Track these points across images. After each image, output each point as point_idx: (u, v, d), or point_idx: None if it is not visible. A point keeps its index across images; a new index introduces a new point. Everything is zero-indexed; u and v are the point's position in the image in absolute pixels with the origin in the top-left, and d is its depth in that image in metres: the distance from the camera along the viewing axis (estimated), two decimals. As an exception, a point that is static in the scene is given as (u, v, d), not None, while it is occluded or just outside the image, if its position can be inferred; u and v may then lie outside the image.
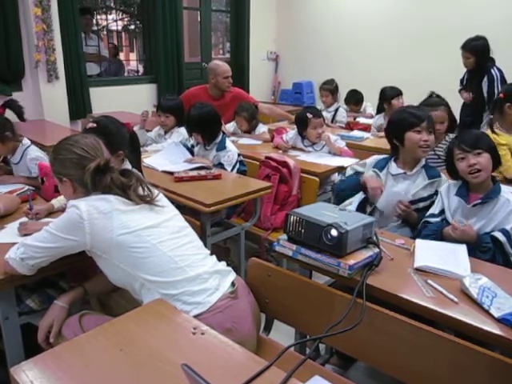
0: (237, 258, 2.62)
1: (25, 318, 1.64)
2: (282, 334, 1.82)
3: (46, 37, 4.47)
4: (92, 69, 5.38)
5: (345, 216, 1.55)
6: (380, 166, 2.19)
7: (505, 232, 1.72)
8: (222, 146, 2.83)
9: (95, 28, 5.60)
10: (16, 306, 1.58)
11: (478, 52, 3.71)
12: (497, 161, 1.85)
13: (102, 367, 1.05)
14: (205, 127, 2.79)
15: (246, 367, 1.04)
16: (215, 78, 3.88)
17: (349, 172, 2.32)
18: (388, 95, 3.94)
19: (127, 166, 1.95)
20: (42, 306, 1.66)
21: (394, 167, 2.16)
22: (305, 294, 1.56)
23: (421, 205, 2.07)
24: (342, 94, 4.91)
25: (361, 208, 2.13)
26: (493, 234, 1.74)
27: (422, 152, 2.06)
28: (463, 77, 4.04)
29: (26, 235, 1.67)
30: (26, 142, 2.55)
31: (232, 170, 2.77)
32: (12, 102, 2.77)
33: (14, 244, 1.51)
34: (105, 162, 1.48)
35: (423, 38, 5.52)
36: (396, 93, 3.93)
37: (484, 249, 1.71)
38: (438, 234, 1.82)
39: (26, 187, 2.26)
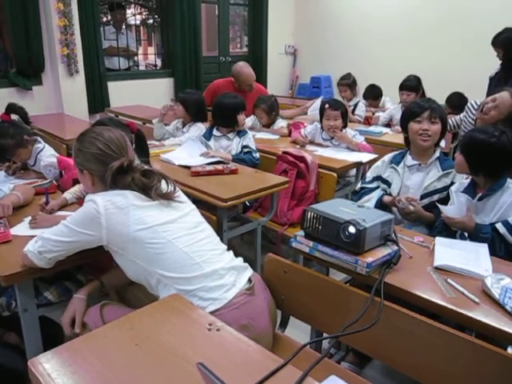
0: (253, 253, 2.61)
1: (42, 311, 1.66)
2: (298, 331, 1.81)
3: (67, 31, 4.52)
4: (121, 63, 5.46)
5: (363, 213, 1.53)
6: (396, 160, 2.25)
7: (506, 223, 1.72)
8: (243, 133, 3.01)
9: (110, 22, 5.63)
10: (34, 298, 1.60)
11: (505, 45, 3.61)
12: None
13: (117, 361, 1.05)
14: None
15: (262, 365, 1.03)
16: (238, 83, 3.92)
17: (367, 185, 2.29)
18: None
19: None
20: (60, 299, 1.68)
21: (409, 159, 2.21)
22: (321, 291, 1.54)
23: (435, 197, 2.09)
24: (361, 88, 4.86)
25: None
26: (495, 225, 1.74)
27: (421, 141, 2.12)
28: (493, 74, 3.89)
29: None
30: (38, 145, 2.51)
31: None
32: (14, 106, 2.55)
33: (32, 237, 1.53)
34: (128, 162, 1.49)
35: (445, 31, 5.40)
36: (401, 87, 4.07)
37: (481, 238, 1.71)
38: (443, 225, 1.89)
39: (47, 180, 2.28)
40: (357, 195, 2.26)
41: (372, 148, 3.14)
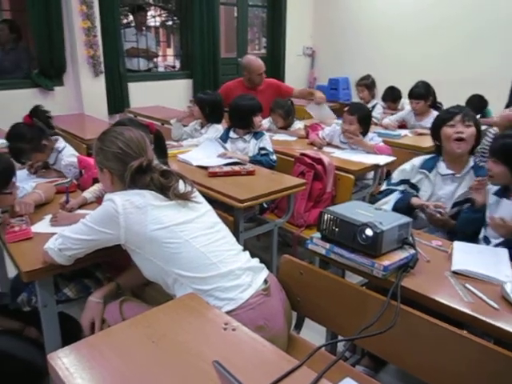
0: (269, 254, 2.61)
1: (61, 307, 1.69)
2: (313, 333, 1.81)
3: (90, 33, 4.60)
4: (142, 64, 5.52)
5: (380, 215, 1.52)
6: (428, 166, 2.16)
7: None
8: (260, 134, 3.00)
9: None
10: (54, 294, 1.63)
11: None
12: None
13: (134, 358, 1.06)
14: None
15: (277, 365, 1.04)
16: (249, 75, 3.94)
17: (394, 182, 2.23)
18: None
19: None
20: (79, 295, 1.71)
21: (442, 167, 2.12)
22: (337, 294, 1.54)
23: (465, 206, 2.02)
24: (381, 91, 4.82)
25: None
26: None
27: (455, 146, 2.03)
28: None
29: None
30: (59, 144, 2.54)
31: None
32: (37, 109, 2.51)
33: (52, 234, 1.56)
34: (148, 162, 1.51)
35: (466, 34, 5.32)
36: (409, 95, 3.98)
37: None
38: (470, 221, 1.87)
39: (67, 179, 2.32)
40: (381, 195, 2.21)
41: (391, 150, 3.11)
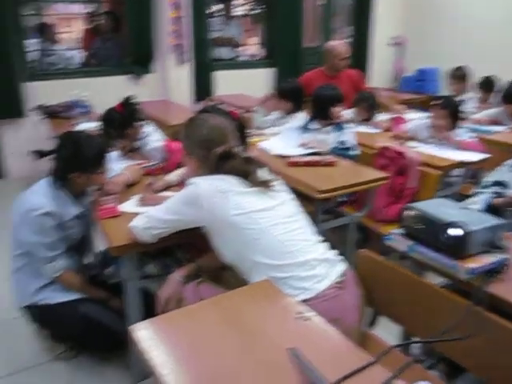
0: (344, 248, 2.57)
1: (143, 282, 1.79)
2: (386, 331, 1.75)
3: (179, 23, 4.77)
4: (227, 53, 5.69)
5: (468, 215, 1.43)
6: None
7: None
8: (342, 127, 2.93)
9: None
10: (137, 270, 1.74)
11: None
12: None
13: (208, 336, 1.10)
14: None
15: (349, 360, 1.02)
16: (332, 60, 3.87)
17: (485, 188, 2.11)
18: None
19: None
20: (160, 273, 1.80)
21: None
22: (415, 293, 1.48)
23: None
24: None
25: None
26: None
27: None
28: None
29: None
30: (147, 129, 2.62)
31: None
32: (128, 99, 2.54)
33: (138, 214, 1.65)
34: (231, 148, 1.55)
35: None
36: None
37: None
38: None
39: (153, 162, 2.43)
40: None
41: (482, 146, 2.90)
